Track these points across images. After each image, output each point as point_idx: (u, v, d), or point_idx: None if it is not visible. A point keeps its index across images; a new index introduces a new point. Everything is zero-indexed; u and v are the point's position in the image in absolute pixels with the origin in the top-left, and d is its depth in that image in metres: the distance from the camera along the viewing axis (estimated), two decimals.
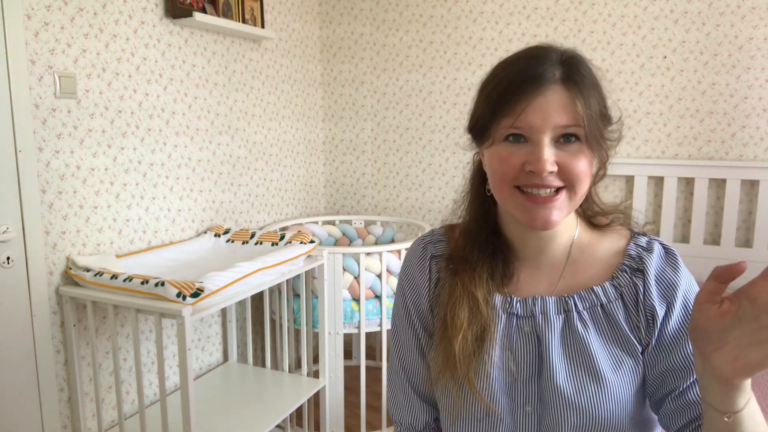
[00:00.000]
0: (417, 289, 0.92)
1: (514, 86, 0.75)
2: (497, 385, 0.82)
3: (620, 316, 0.82)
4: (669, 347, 0.81)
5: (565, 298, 0.83)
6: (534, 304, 0.84)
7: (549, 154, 0.74)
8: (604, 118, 0.79)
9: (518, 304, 0.85)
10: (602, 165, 0.82)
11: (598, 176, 0.84)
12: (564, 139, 0.75)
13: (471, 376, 0.81)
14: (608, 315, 0.82)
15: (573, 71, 0.76)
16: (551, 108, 0.74)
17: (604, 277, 0.85)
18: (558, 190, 0.76)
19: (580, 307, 0.83)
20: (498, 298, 0.85)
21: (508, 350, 0.84)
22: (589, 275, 0.85)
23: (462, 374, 0.81)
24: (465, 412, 0.84)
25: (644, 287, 0.82)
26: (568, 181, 0.76)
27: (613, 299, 0.82)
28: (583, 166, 0.75)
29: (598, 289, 0.83)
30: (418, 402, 0.93)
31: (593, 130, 0.75)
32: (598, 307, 0.83)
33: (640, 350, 0.81)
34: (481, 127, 0.81)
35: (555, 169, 0.75)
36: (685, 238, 2.63)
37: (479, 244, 0.87)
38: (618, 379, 0.80)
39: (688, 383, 0.79)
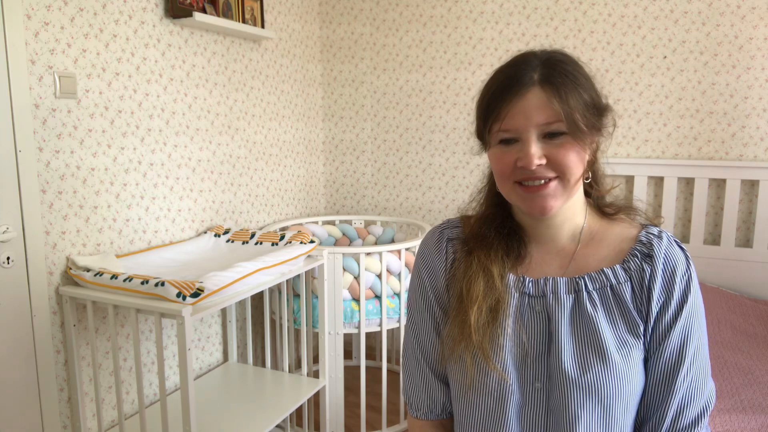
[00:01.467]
0: (434, 270, 0.96)
1: (497, 94, 0.84)
2: (509, 357, 0.86)
3: (627, 296, 0.86)
4: (660, 344, 0.85)
5: (575, 278, 0.87)
6: (545, 285, 0.88)
7: (535, 149, 0.81)
8: (591, 109, 0.83)
9: (530, 284, 0.89)
10: (592, 153, 0.88)
11: (589, 163, 0.88)
12: (550, 134, 0.81)
13: (485, 346, 0.85)
14: (617, 295, 0.86)
15: (550, 72, 0.82)
16: (531, 109, 0.81)
17: (615, 261, 0.89)
18: (551, 179, 0.83)
19: (590, 288, 0.86)
20: (511, 278, 0.90)
21: (520, 325, 0.88)
22: (598, 258, 0.89)
23: (477, 344, 0.85)
24: (477, 384, 0.87)
25: (651, 272, 0.85)
26: (559, 171, 0.82)
27: (623, 281, 0.86)
28: (570, 156, 0.82)
29: (608, 271, 0.87)
30: (435, 382, 0.97)
31: (575, 123, 0.80)
32: (608, 288, 0.86)
33: (641, 330, 0.85)
34: (480, 134, 0.89)
35: (543, 162, 0.81)
36: (685, 238, 2.63)
37: (496, 226, 0.93)
38: (623, 360, 0.83)
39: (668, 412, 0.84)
